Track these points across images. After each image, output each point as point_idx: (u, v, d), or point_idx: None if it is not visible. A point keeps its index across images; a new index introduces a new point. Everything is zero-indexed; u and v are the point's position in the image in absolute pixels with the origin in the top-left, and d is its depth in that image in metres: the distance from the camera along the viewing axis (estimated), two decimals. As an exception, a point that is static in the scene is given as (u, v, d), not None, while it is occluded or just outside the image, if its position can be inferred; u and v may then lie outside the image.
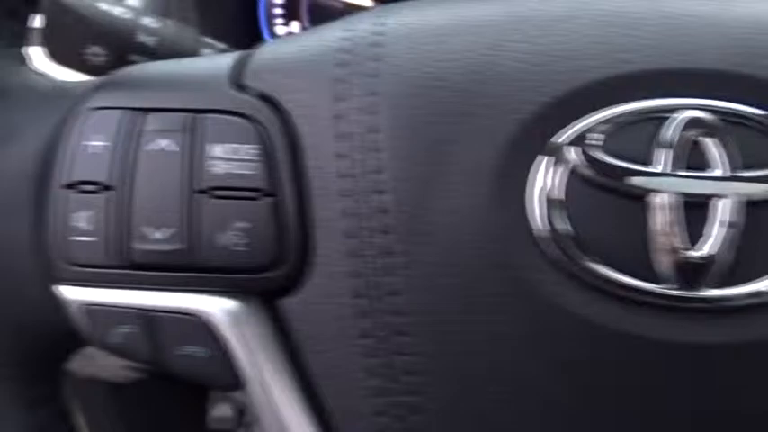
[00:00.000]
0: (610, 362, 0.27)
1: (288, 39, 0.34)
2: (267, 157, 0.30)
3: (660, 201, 0.27)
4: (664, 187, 0.27)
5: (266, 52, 0.32)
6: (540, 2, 0.30)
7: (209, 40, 0.51)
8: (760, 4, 0.30)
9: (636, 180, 0.27)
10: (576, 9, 0.29)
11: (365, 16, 0.32)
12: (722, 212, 0.26)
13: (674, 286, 0.27)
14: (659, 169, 0.27)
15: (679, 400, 0.27)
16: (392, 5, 0.32)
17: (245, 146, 0.30)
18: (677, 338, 0.27)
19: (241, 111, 0.30)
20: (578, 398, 0.28)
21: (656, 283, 0.27)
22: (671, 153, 0.27)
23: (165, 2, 0.63)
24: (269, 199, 0.29)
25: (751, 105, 0.27)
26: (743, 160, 0.27)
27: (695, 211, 0.27)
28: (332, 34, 0.32)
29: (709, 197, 0.27)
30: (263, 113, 0.30)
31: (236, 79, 0.31)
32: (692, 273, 0.27)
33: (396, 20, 0.31)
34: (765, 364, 0.27)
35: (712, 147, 0.27)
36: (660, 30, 0.29)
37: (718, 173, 0.27)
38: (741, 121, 0.27)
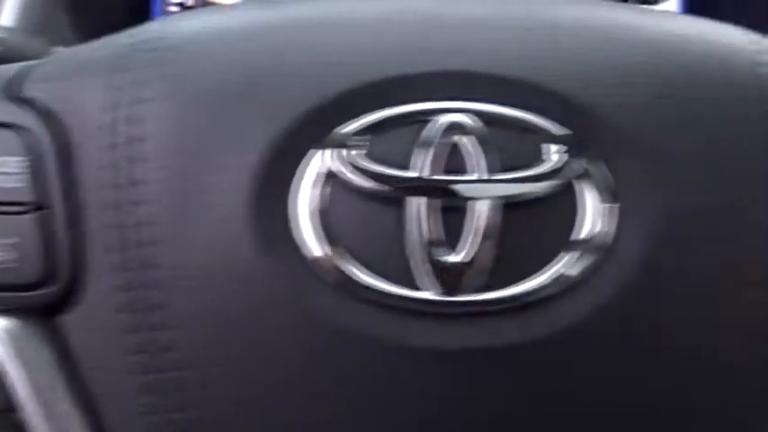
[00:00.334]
0: (382, 373, 0.26)
1: (76, 48, 0.33)
2: (37, 169, 0.29)
3: (417, 205, 0.26)
4: (420, 191, 0.26)
5: (51, 61, 0.31)
6: (316, 8, 0.30)
7: (59, 49, 0.50)
8: (531, 8, 0.29)
9: (394, 185, 0.26)
10: (346, 16, 0.29)
11: (149, 24, 0.31)
12: (479, 215, 0.26)
13: (439, 292, 0.26)
14: (416, 173, 0.26)
15: (451, 407, 0.27)
16: (179, 13, 0.31)
17: (13, 158, 0.29)
18: (441, 345, 0.26)
19: (9, 122, 0.29)
20: (359, 413, 0.27)
21: (423, 290, 0.26)
22: (430, 156, 0.26)
23: (39, 16, 0.62)
24: (38, 213, 0.28)
25: (512, 107, 0.27)
26: (503, 162, 0.26)
27: (454, 214, 0.26)
28: (116, 41, 0.31)
29: (466, 200, 0.26)
30: (35, 124, 0.29)
31: (15, 89, 0.30)
32: (452, 278, 0.26)
33: (176, 26, 0.30)
34: (529, 365, 0.26)
35: (471, 149, 0.26)
36: (429, 34, 0.28)
37: (475, 176, 0.26)
38: (502, 122, 0.27)
